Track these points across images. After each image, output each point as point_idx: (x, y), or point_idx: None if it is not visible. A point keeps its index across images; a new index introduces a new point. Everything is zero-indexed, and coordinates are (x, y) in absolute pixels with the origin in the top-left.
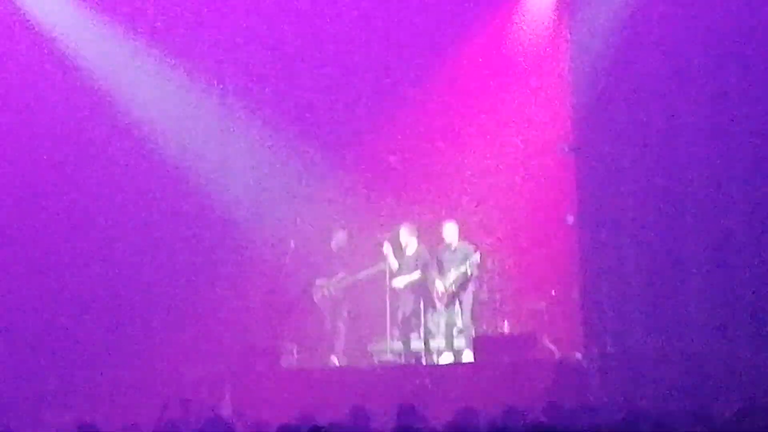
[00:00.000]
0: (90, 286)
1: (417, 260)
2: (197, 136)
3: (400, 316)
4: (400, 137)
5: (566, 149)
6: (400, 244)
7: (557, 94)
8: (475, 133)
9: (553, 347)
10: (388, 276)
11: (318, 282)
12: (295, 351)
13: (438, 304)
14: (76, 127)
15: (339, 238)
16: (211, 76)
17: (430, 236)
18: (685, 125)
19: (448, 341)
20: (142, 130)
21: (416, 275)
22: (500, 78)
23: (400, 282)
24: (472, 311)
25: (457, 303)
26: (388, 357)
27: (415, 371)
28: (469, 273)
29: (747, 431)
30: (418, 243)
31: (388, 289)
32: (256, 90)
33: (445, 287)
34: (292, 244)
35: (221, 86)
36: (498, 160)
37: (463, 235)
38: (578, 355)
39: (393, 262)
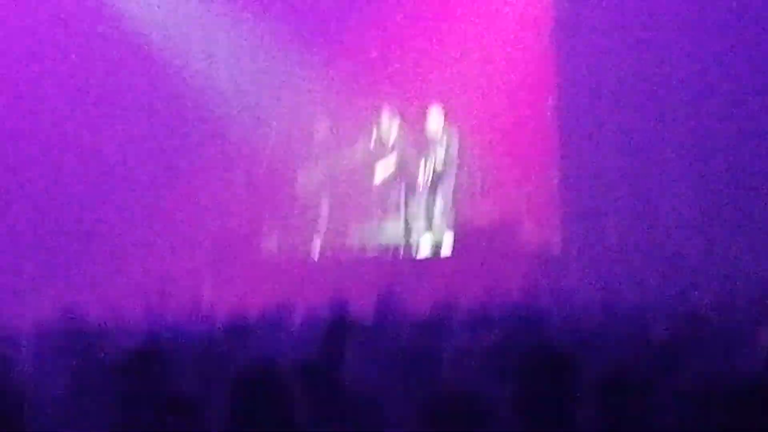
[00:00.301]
0: (69, 171)
1: (398, 146)
2: (179, 19)
3: (380, 203)
4: (382, 22)
5: (549, 32)
6: (381, 130)
7: None
8: (457, 15)
9: (533, 236)
10: (368, 162)
11: (300, 170)
12: (276, 239)
13: (419, 190)
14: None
15: (321, 127)
16: None
17: (412, 121)
18: (671, 23)
19: (428, 228)
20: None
21: (397, 161)
22: None
23: (380, 168)
24: (453, 198)
25: (438, 189)
26: (369, 245)
27: (395, 261)
28: (450, 159)
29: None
30: (399, 128)
31: (369, 175)
32: None
33: (426, 173)
34: (274, 132)
35: None
36: (480, 43)
37: (445, 120)
38: (557, 244)
39: (374, 148)
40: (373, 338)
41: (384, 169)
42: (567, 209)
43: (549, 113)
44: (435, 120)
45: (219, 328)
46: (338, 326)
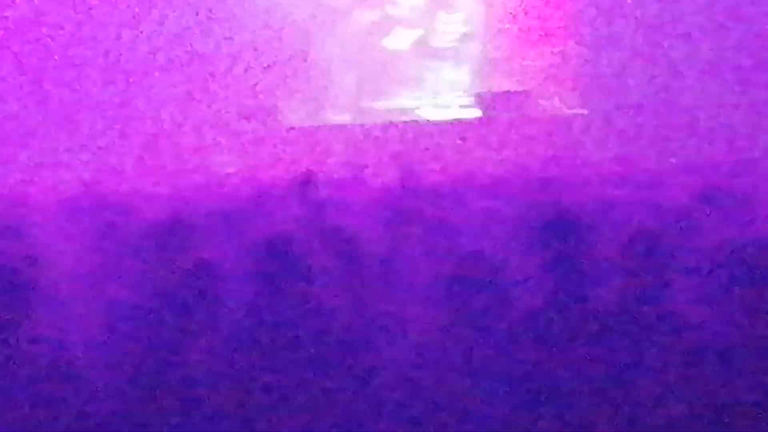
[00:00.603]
0: (93, 37)
1: (417, 13)
2: None
3: (401, 71)
4: None
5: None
6: None
7: None
8: None
9: (556, 103)
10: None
11: (319, 36)
12: (296, 108)
13: (438, 61)
14: None
15: None
16: None
17: None
18: None
19: (450, 97)
20: None
21: (416, 31)
22: None
23: (400, 36)
24: (476, 67)
25: (459, 60)
26: (390, 111)
27: (417, 128)
28: (471, 24)
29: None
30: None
31: (387, 43)
32: None
33: (445, 43)
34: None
35: None
36: None
37: None
38: (581, 111)
39: (392, 13)
40: (393, 204)
41: (403, 38)
42: (588, 75)
43: None
44: None
45: (241, 196)
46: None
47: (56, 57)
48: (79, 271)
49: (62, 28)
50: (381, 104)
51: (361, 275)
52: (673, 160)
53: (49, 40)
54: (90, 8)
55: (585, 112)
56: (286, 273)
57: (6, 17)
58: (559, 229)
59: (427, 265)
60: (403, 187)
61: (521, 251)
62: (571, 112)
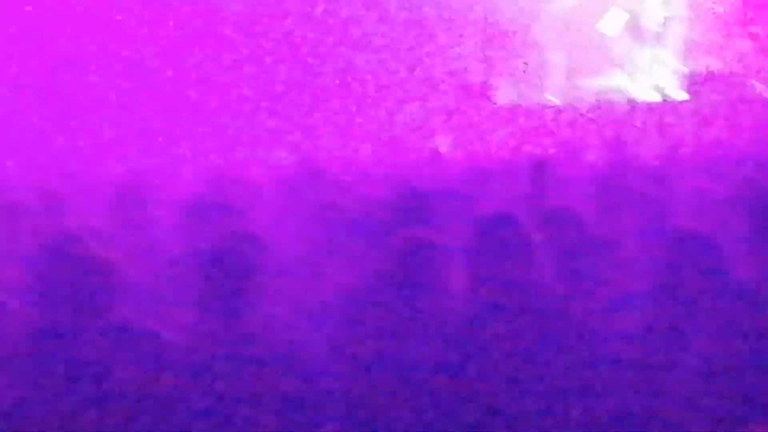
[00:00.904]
0: None
1: None
2: None
3: (608, 53)
4: None
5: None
6: None
7: None
8: None
9: (762, 87)
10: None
11: (533, 13)
12: (509, 86)
13: (646, 42)
14: None
15: None
16: None
17: None
18: None
19: (659, 78)
20: None
21: (624, 13)
22: None
23: (612, 18)
24: (685, 48)
25: (670, 36)
26: (601, 93)
27: (627, 109)
28: (672, 12)
29: None
30: None
31: (600, 25)
32: None
33: (653, 25)
34: None
35: None
36: None
37: None
38: None
39: None
40: (604, 185)
41: (615, 15)
42: None
43: None
44: None
45: (460, 176)
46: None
47: None
48: (300, 251)
49: None
50: (591, 84)
51: (581, 252)
52: None
53: None
54: None
55: None
56: (507, 253)
57: None
58: None
59: (644, 245)
60: (615, 166)
61: (735, 231)
62: None
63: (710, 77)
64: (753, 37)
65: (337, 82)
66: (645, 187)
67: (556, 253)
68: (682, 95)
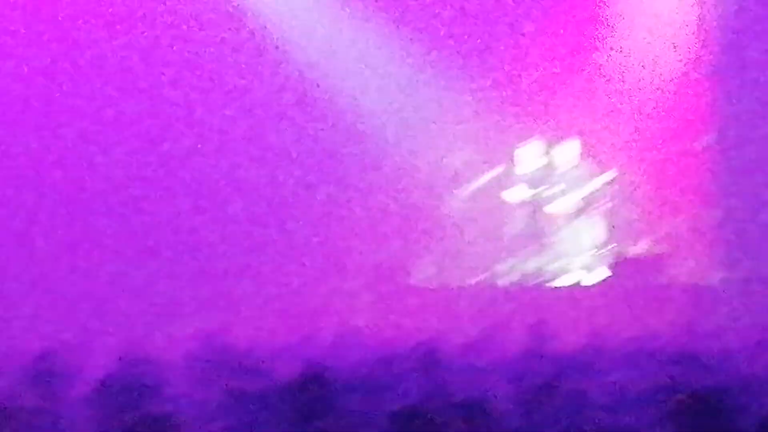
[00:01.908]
0: (225, 195)
1: (538, 175)
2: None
3: (521, 233)
4: (531, 55)
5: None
6: (523, 159)
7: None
8: (611, 47)
9: (689, 268)
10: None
11: (445, 197)
12: (426, 268)
13: (562, 223)
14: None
15: (458, 156)
16: None
17: (557, 152)
18: None
19: (579, 257)
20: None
21: (532, 191)
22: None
23: (514, 196)
24: (605, 230)
25: (585, 222)
26: (519, 274)
27: (545, 291)
28: (596, 190)
29: None
30: (544, 159)
31: (506, 204)
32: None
33: (571, 205)
34: (425, 160)
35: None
36: (636, 76)
37: (598, 150)
38: (715, 279)
39: (514, 174)
40: (522, 372)
41: (518, 198)
42: (726, 242)
43: (708, 144)
44: (578, 151)
45: (370, 358)
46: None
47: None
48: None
49: None
50: (510, 266)
51: None
52: None
53: None
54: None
55: (719, 279)
56: None
57: None
58: (697, 406)
59: None
60: (532, 351)
61: (656, 426)
62: (706, 278)
63: (632, 260)
64: (678, 219)
65: (248, 258)
66: (563, 377)
67: None
68: (601, 278)
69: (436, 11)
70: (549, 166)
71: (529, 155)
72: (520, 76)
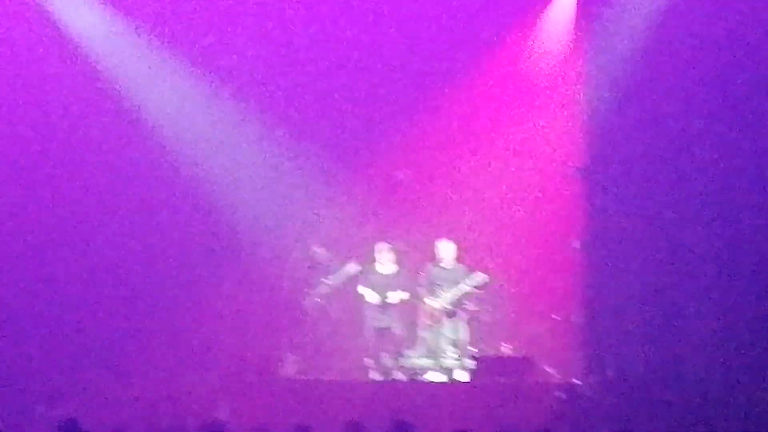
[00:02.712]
0: (86, 286)
1: (394, 279)
2: (205, 138)
3: (378, 331)
4: (406, 152)
5: (575, 170)
6: (381, 260)
7: (569, 118)
8: (480, 153)
9: (552, 371)
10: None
11: (307, 292)
12: (292, 361)
13: (429, 323)
14: (83, 122)
15: (319, 254)
16: (224, 78)
17: (426, 253)
18: (694, 155)
19: (437, 360)
20: (149, 131)
21: (392, 294)
22: (511, 98)
23: (371, 296)
24: (470, 331)
25: (451, 322)
26: (388, 371)
27: (411, 388)
28: (465, 292)
29: None
30: (397, 263)
31: (363, 302)
32: (267, 95)
33: (438, 305)
34: (295, 254)
35: (233, 88)
36: (503, 182)
37: (467, 253)
38: (577, 381)
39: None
40: None
41: (374, 298)
42: (587, 348)
43: (572, 252)
44: (448, 252)
45: None
46: None
47: None
48: None
49: None
50: (377, 362)
51: None
52: None
53: None
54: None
55: (581, 381)
56: None
57: None
58: None
59: None
60: None
61: None
62: (568, 380)
63: (500, 360)
64: (545, 321)
65: (112, 350)
66: None
67: None
68: (469, 377)
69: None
70: (420, 267)
71: (399, 254)
72: (390, 177)
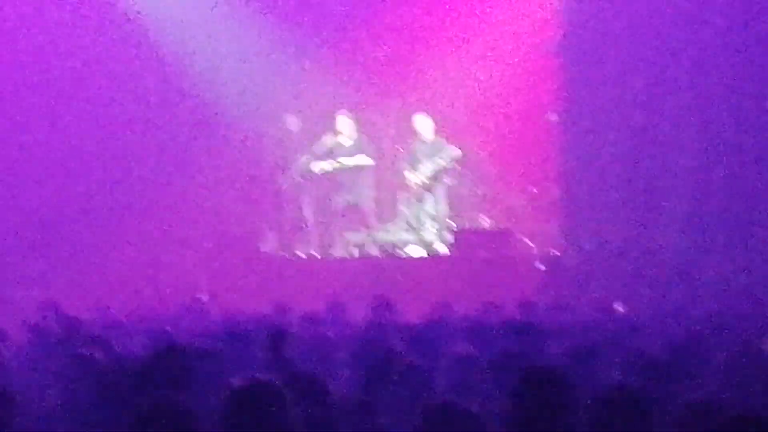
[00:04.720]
0: (64, 165)
1: (354, 148)
2: (182, 18)
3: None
4: (386, 30)
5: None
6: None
7: None
8: (461, 29)
9: (530, 243)
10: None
11: (286, 170)
12: (273, 239)
13: (408, 197)
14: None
15: (291, 122)
16: None
17: (405, 127)
18: (674, 32)
19: (417, 234)
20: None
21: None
22: None
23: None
24: (450, 205)
25: (430, 196)
26: (367, 246)
27: (390, 263)
28: (442, 166)
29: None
30: (357, 132)
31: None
32: None
33: (417, 179)
34: (274, 131)
35: None
36: (483, 57)
37: (446, 127)
38: (555, 253)
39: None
40: (365, 344)
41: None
42: (565, 221)
43: (550, 126)
44: (426, 127)
45: (218, 332)
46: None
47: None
48: (56, 407)
49: None
50: (357, 237)
51: (336, 418)
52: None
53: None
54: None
55: (562, 256)
56: (260, 417)
57: None
58: (536, 380)
59: (401, 407)
60: (377, 324)
61: (496, 399)
62: (547, 252)
63: (479, 233)
64: (523, 194)
65: (95, 232)
66: (407, 350)
67: (308, 416)
68: (442, 249)
69: None
70: (402, 139)
71: (380, 126)
72: (372, 49)
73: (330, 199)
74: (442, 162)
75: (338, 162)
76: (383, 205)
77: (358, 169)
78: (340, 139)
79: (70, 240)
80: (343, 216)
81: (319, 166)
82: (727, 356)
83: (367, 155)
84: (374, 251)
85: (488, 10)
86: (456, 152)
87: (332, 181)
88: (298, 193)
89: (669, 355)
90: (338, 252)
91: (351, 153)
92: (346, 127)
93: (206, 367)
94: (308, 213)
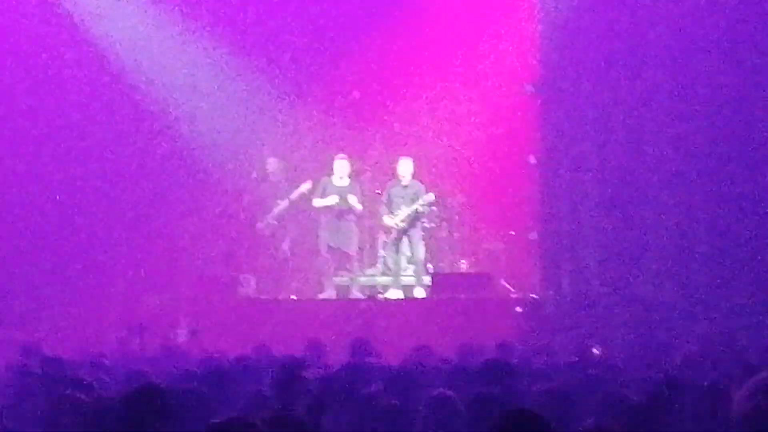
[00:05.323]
0: (46, 210)
1: (346, 190)
2: (162, 62)
3: (331, 251)
4: (365, 73)
5: (531, 89)
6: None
7: (525, 36)
8: (439, 73)
9: (509, 287)
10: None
11: (263, 214)
12: (252, 282)
13: (386, 241)
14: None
15: (272, 165)
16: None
17: (385, 171)
18: (649, 70)
19: (395, 278)
20: (109, 55)
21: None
22: (468, 18)
23: (329, 199)
24: (428, 248)
25: (407, 239)
26: (346, 289)
27: (369, 306)
28: (419, 210)
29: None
30: (350, 176)
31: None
32: (227, 20)
33: (393, 223)
34: (254, 174)
35: (193, 16)
36: (461, 100)
37: (425, 172)
38: (534, 296)
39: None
40: (347, 385)
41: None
42: (544, 264)
43: (529, 169)
44: (407, 170)
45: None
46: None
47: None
48: None
49: None
50: (340, 280)
51: None
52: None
53: None
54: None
55: (538, 296)
56: None
57: None
58: (515, 422)
59: None
60: (357, 365)
61: None
62: (525, 296)
63: (459, 277)
64: (502, 237)
65: (77, 273)
66: (385, 393)
67: None
68: (419, 293)
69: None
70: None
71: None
72: (352, 93)
73: (312, 240)
74: (417, 206)
75: (336, 201)
76: (365, 249)
77: (347, 212)
78: (334, 180)
79: (51, 282)
80: (327, 258)
81: (320, 202)
82: (702, 400)
83: (358, 200)
84: (356, 294)
85: (467, 55)
86: (429, 197)
87: (317, 222)
88: (278, 235)
89: (645, 399)
90: (320, 295)
91: (344, 195)
92: (341, 169)
93: (186, 407)
94: (288, 255)
